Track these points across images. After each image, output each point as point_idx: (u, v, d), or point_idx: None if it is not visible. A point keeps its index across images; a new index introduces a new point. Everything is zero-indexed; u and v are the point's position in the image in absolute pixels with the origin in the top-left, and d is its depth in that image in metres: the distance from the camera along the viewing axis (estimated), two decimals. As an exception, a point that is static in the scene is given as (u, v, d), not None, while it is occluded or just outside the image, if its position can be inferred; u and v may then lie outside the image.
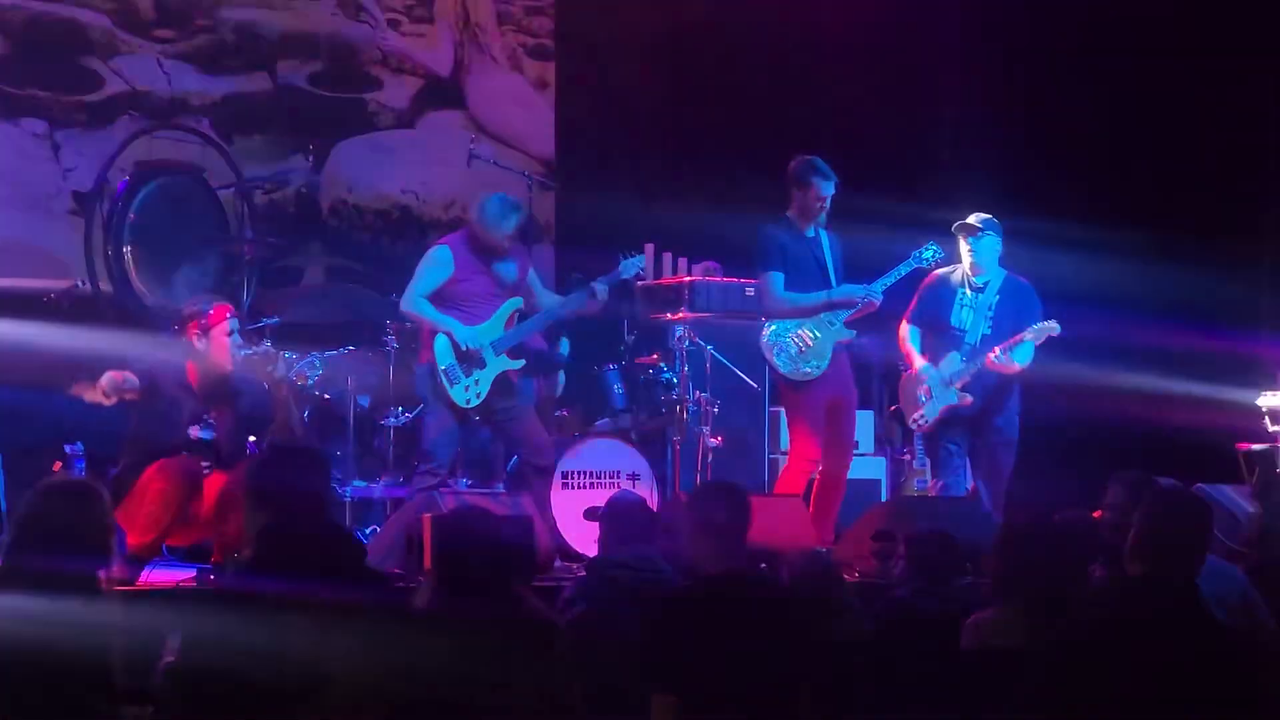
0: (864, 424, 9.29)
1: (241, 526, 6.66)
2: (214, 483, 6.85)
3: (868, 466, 9.34)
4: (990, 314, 8.14)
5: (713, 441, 8.63)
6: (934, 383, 8.15)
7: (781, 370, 8.06)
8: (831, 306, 8.04)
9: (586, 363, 9.17)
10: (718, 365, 8.83)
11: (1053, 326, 7.99)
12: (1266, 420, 8.60)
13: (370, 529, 8.23)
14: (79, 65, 10.09)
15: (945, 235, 8.22)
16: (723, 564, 4.69)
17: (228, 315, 7.12)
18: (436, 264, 7.83)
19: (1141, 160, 10.04)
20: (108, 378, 6.96)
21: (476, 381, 7.78)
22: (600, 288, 8.02)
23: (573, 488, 8.27)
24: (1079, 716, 4.14)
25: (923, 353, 8.24)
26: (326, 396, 8.62)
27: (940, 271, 8.23)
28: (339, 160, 10.79)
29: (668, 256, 9.66)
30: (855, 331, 8.16)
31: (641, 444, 8.70)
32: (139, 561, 6.55)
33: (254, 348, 7.29)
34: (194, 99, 10.36)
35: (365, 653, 4.26)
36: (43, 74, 9.97)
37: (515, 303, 7.92)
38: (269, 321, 8.41)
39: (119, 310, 9.24)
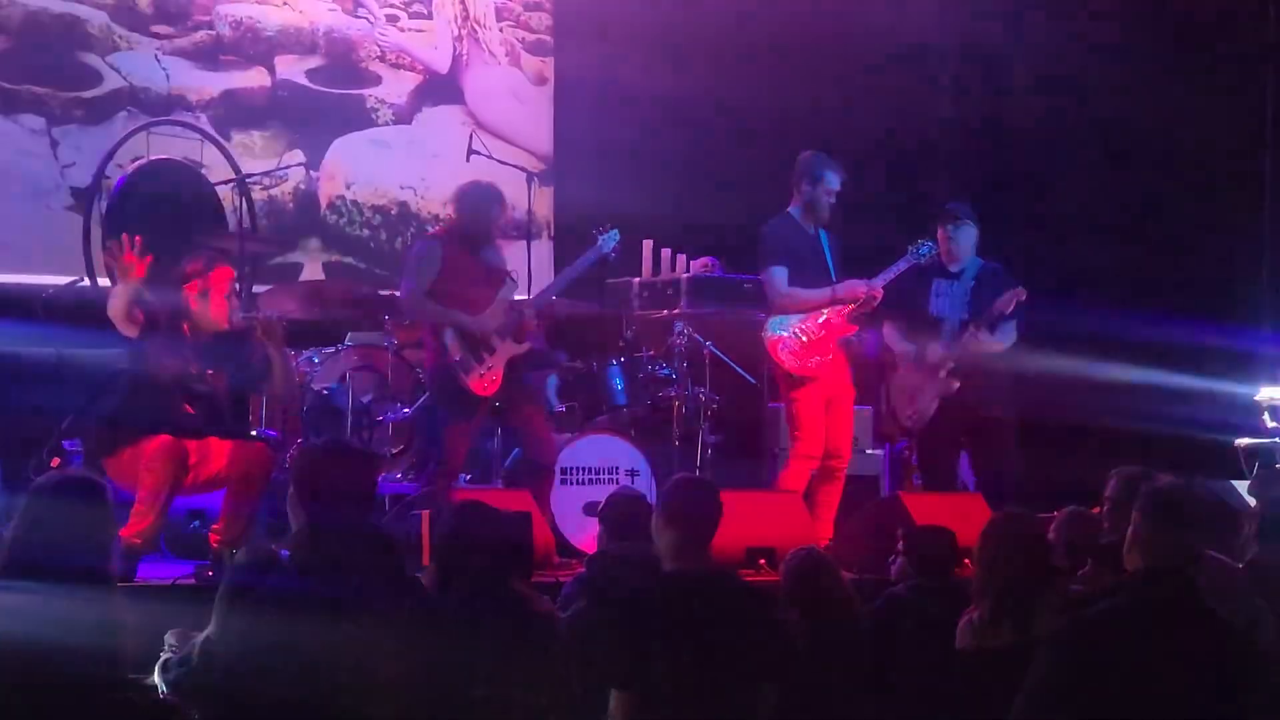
0: (864, 420, 9.29)
1: (241, 523, 6.72)
2: (211, 448, 6.74)
3: (867, 463, 9.34)
4: (968, 299, 8.18)
5: (711, 438, 8.61)
6: (922, 374, 8.17)
7: (787, 365, 8.05)
8: (836, 301, 8.05)
9: (586, 359, 9.17)
10: (716, 361, 8.82)
11: (1019, 293, 8.04)
12: (1265, 415, 8.60)
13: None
14: (77, 61, 10.08)
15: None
16: (689, 560, 4.70)
17: (229, 277, 7.05)
18: (428, 260, 7.83)
19: (1142, 153, 10.04)
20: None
21: (490, 369, 7.79)
22: (606, 236, 8.06)
23: (572, 484, 8.27)
24: (1079, 712, 4.13)
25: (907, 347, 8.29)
26: (325, 391, 8.62)
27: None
28: (337, 156, 10.78)
29: (666, 252, 9.65)
30: (857, 327, 8.18)
31: (640, 440, 8.70)
32: (133, 556, 6.48)
33: (252, 311, 7.25)
34: (192, 95, 10.35)
35: (398, 656, 4.26)
36: (41, 70, 9.96)
37: (512, 288, 7.94)
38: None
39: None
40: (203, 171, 9.83)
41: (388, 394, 8.75)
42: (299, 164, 10.43)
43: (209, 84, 10.41)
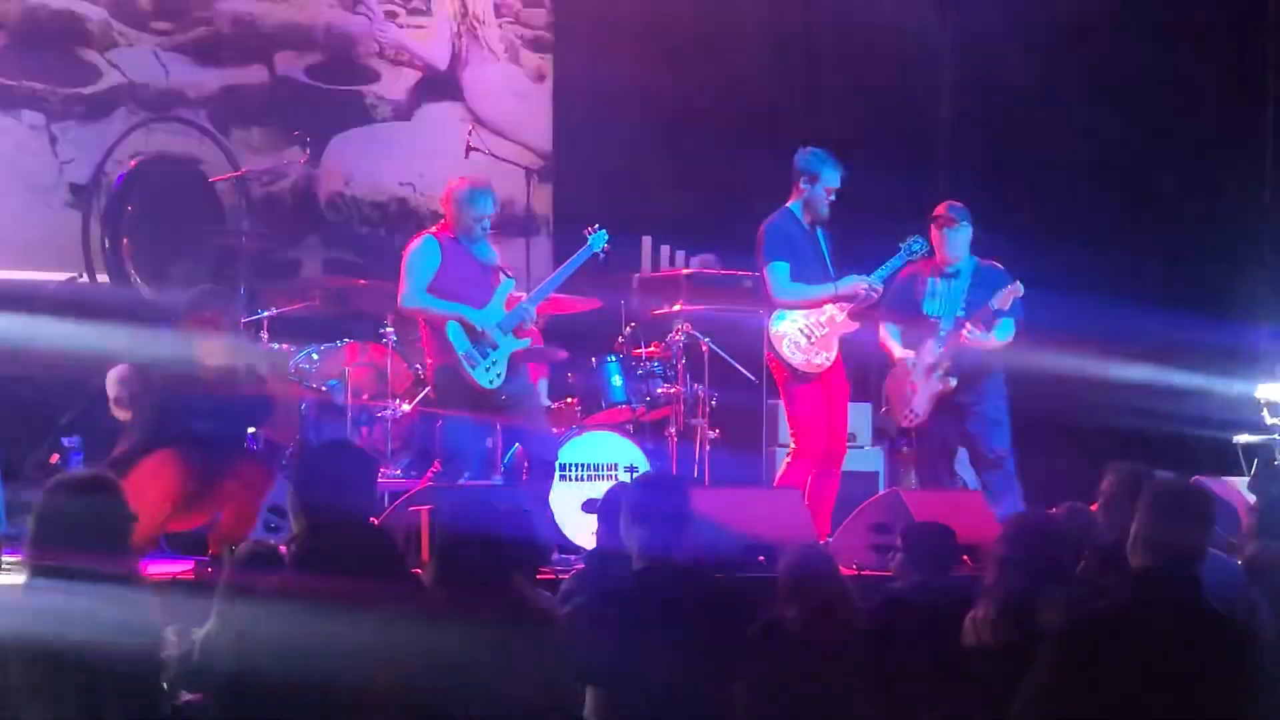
0: (863, 416, 9.29)
1: (240, 520, 6.74)
2: (213, 474, 6.82)
3: (865, 459, 9.33)
4: (963, 298, 8.18)
5: (710, 434, 8.61)
6: (917, 374, 8.17)
7: (792, 362, 8.03)
8: (838, 298, 8.04)
9: (584, 355, 9.17)
10: (715, 357, 8.81)
11: (1016, 288, 8.04)
12: (1265, 412, 8.60)
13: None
14: (76, 57, 10.08)
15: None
16: (659, 554, 4.71)
17: (234, 314, 7.10)
18: (426, 256, 7.82)
19: (1142, 153, 10.03)
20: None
21: (495, 362, 7.79)
22: (595, 236, 8.06)
23: (570, 480, 8.27)
24: (1082, 709, 4.13)
25: (903, 348, 8.29)
26: (324, 389, 8.62)
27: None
28: (336, 153, 10.78)
29: (665, 249, 9.65)
30: (859, 324, 8.17)
31: (639, 436, 8.70)
32: (138, 553, 6.52)
33: (258, 346, 7.28)
34: (191, 91, 10.34)
35: (397, 653, 4.27)
36: (40, 66, 9.96)
37: (510, 284, 7.94)
38: (266, 314, 8.40)
39: (116, 302, 9.22)
40: (202, 168, 9.84)
41: (387, 391, 8.75)
42: (298, 160, 10.42)
43: (208, 80, 10.41)
